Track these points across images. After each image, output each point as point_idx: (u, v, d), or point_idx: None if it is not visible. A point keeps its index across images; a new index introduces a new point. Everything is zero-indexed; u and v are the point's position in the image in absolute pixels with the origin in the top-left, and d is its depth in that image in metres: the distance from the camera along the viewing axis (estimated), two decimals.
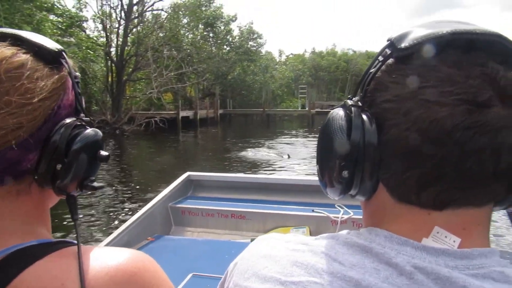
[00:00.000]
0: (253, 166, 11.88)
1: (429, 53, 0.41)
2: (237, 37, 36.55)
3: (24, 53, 0.51)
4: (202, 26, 33.07)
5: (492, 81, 0.39)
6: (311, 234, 2.74)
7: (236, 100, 37.61)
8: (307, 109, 34.12)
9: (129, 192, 8.59)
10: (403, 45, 0.42)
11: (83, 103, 0.58)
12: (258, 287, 0.42)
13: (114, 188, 8.81)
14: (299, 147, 16.83)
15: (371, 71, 0.45)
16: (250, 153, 14.57)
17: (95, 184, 0.54)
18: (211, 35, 34.56)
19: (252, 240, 0.54)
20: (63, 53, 0.54)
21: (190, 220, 3.06)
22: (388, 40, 0.45)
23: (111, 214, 6.92)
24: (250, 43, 37.22)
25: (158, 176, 10.42)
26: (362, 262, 0.41)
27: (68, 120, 0.52)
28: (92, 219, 6.53)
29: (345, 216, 2.59)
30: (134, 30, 24.69)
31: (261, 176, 4.02)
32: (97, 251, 0.50)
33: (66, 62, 0.54)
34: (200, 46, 30.95)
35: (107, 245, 2.31)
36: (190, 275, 1.99)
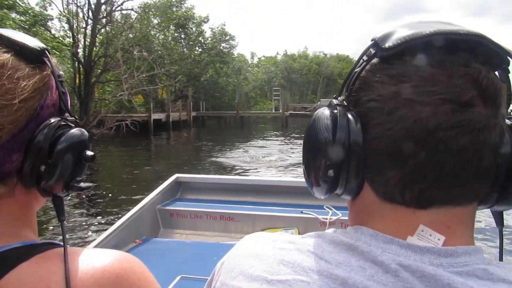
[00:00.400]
0: (230, 169, 11.55)
1: (413, 53, 0.41)
2: (209, 39, 36.06)
3: (4, 52, 0.50)
4: (174, 27, 32.46)
5: (475, 81, 0.39)
6: None
7: (209, 103, 37.06)
8: (280, 111, 34.00)
9: (99, 198, 8.07)
10: (387, 45, 0.42)
11: (68, 102, 0.56)
12: (245, 286, 0.42)
13: (79, 195, 8.26)
14: (275, 149, 16.62)
15: (356, 70, 0.45)
16: (226, 156, 14.23)
17: (82, 184, 0.53)
18: (182, 36, 33.97)
19: None
20: (46, 51, 0.53)
21: (178, 222, 3.03)
22: (372, 40, 0.45)
23: (78, 220, 6.43)
24: (222, 44, 36.81)
25: (130, 181, 9.93)
26: (348, 260, 0.41)
27: (52, 120, 0.51)
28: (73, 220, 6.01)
29: (334, 217, 2.61)
30: (103, 30, 23.83)
31: (250, 178, 4.02)
32: (83, 253, 0.49)
33: (49, 61, 0.53)
34: (171, 47, 30.32)
35: (94, 247, 2.23)
36: (178, 278, 1.96)
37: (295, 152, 15.22)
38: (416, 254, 0.40)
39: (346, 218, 2.54)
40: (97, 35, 23.10)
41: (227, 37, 37.11)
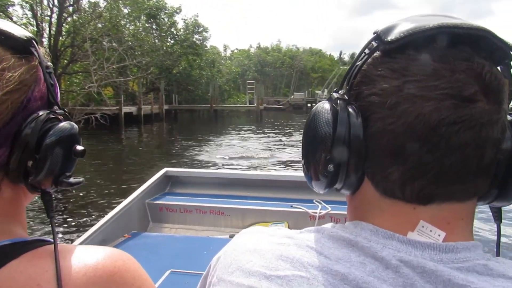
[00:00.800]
0: (205, 164, 11.17)
1: (416, 47, 0.41)
2: (182, 30, 35.21)
3: None
4: (145, 17, 31.40)
5: (478, 76, 0.39)
6: None
7: (182, 95, 36.18)
8: (255, 104, 33.69)
9: (64, 196, 7.54)
10: (389, 38, 0.42)
11: (58, 95, 0.54)
12: (243, 282, 0.41)
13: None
14: (252, 142, 16.33)
15: (357, 64, 0.44)
16: (202, 151, 13.82)
17: (72, 180, 0.52)
18: (154, 27, 32.95)
19: (230, 236, 0.51)
20: (33, 41, 0.50)
21: (167, 217, 3.01)
22: (374, 33, 0.44)
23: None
24: (195, 36, 36.04)
25: (101, 177, 9.39)
26: (348, 256, 0.41)
27: (40, 113, 0.49)
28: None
29: (323, 211, 2.61)
30: (69, 19, 22.68)
31: (240, 172, 3.92)
32: (75, 250, 0.48)
33: (37, 51, 0.50)
34: (142, 38, 29.29)
35: (82, 243, 2.22)
36: (168, 272, 1.96)
37: (274, 148, 14.97)
38: (417, 249, 0.40)
39: (336, 212, 2.57)
40: (63, 24, 21.97)
41: (200, 29, 36.40)
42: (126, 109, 24.91)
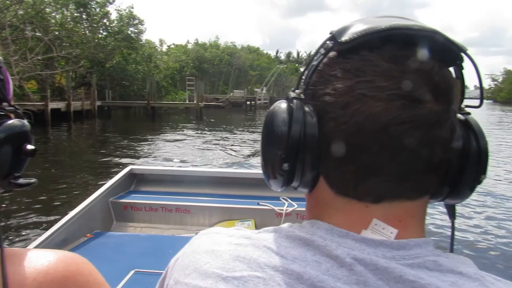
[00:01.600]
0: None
1: (368, 48, 0.42)
2: (115, 22, 33.04)
3: None
4: (73, 6, 28.98)
5: (427, 77, 0.40)
6: (256, 227, 2.75)
7: (116, 91, 33.89)
8: (195, 102, 32.64)
9: None
10: (343, 38, 0.43)
11: (10, 90, 0.52)
12: (199, 284, 0.42)
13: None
14: (191, 142, 15.53)
15: (313, 63, 0.45)
16: (138, 149, 12.78)
17: (21, 181, 0.49)
18: (84, 17, 30.51)
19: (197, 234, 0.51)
20: None
21: (132, 215, 2.96)
22: (330, 33, 0.45)
23: None
24: (130, 29, 34.03)
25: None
26: (304, 255, 0.41)
27: None
28: None
29: (290, 209, 2.62)
30: None
31: (207, 169, 3.92)
32: (24, 254, 0.45)
33: None
34: (71, 29, 26.97)
35: (39, 245, 2.14)
36: (132, 272, 1.93)
37: (219, 147, 14.32)
38: (370, 247, 0.41)
39: (302, 209, 2.57)
40: None
41: (136, 21, 34.42)
42: (53, 105, 22.67)
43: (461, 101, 0.46)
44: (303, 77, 0.46)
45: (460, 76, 0.44)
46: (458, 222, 6.11)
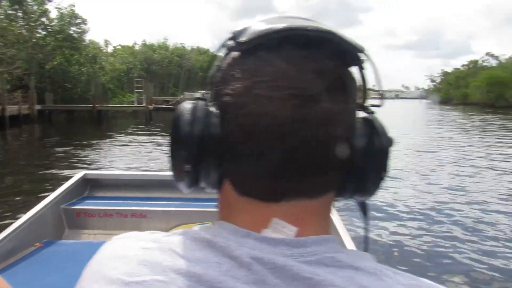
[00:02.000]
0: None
1: (266, 48, 0.42)
2: (56, 20, 31.10)
3: None
4: (7, 2, 26.89)
5: (323, 76, 0.41)
6: None
7: (58, 94, 31.74)
8: (144, 104, 31.48)
9: None
10: (242, 39, 0.43)
11: None
12: None
13: None
14: (141, 146, 14.81)
15: (217, 64, 0.46)
16: (86, 156, 11.92)
17: None
18: (20, 14, 28.44)
19: None
20: None
21: (86, 222, 2.89)
22: (231, 33, 0.45)
23: None
24: (72, 28, 32.19)
25: None
26: (207, 257, 0.41)
27: None
28: None
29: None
30: None
31: (163, 173, 3.55)
32: None
33: None
34: (5, 27, 24.98)
35: None
36: None
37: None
38: (270, 246, 0.41)
39: None
40: None
41: (78, 20, 32.63)
42: None
43: (364, 100, 0.47)
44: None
45: (360, 76, 0.45)
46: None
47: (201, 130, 0.43)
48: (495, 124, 26.23)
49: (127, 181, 3.26)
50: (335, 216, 2.47)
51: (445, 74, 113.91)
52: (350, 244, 2.17)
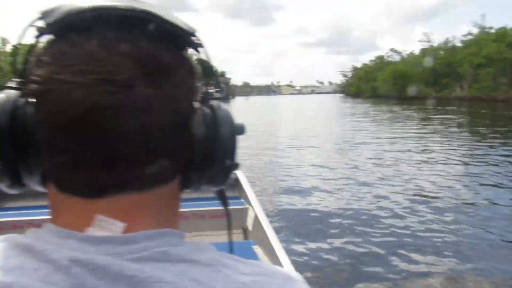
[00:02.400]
0: None
1: (75, 30, 0.38)
2: None
3: None
4: None
5: (138, 60, 0.38)
6: None
7: None
8: None
9: None
10: (49, 20, 0.39)
11: None
12: None
13: None
14: None
15: (29, 48, 0.41)
16: None
17: None
18: None
19: None
20: None
21: None
22: (40, 14, 0.41)
23: None
24: None
25: None
26: (23, 263, 0.37)
27: None
28: None
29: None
30: None
31: None
32: None
33: None
34: None
35: None
36: None
37: None
38: (93, 246, 0.38)
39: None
40: None
41: None
42: None
43: (206, 86, 0.45)
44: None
45: (200, 60, 0.43)
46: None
47: (7, 122, 0.39)
48: (403, 115, 28.07)
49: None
50: (259, 211, 2.41)
51: (355, 69, 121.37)
52: (275, 242, 2.07)
